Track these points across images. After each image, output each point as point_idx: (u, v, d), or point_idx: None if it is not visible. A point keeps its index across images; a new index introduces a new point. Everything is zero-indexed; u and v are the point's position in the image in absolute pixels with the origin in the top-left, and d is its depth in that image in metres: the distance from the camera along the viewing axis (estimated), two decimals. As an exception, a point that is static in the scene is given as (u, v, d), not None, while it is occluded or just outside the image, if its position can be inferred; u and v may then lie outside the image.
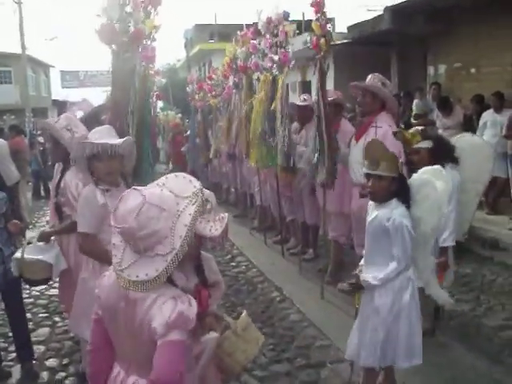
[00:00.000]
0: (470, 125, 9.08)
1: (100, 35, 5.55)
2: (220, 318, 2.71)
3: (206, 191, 2.48)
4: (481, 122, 8.69)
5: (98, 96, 13.30)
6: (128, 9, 5.61)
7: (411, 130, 4.51)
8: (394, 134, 4.68)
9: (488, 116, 8.60)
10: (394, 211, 3.39)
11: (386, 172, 3.41)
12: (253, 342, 2.81)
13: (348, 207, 5.97)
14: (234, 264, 7.57)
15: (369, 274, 3.47)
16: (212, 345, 2.68)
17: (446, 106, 9.39)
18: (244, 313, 2.88)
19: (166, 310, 2.08)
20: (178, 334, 2.10)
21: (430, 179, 3.61)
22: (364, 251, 3.68)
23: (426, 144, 4.32)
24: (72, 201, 4.39)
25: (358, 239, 5.86)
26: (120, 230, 2.08)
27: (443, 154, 4.34)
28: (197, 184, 2.23)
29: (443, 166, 4.03)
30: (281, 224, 8.01)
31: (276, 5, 6.49)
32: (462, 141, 4.72)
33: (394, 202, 3.43)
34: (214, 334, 2.67)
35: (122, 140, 3.80)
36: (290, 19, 6.53)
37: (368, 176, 3.49)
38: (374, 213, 3.51)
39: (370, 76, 5.54)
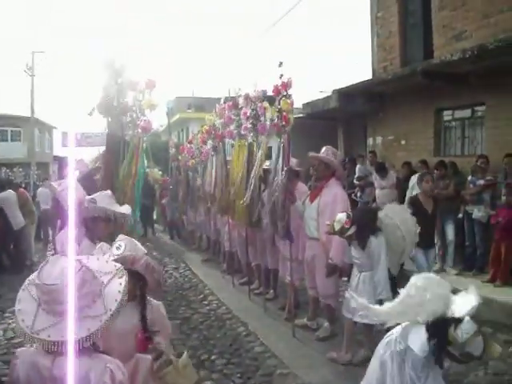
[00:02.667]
0: (401, 186, 9.37)
1: (99, 108, 5.66)
2: (162, 354, 2.71)
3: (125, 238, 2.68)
4: (410, 184, 8.93)
5: (91, 154, 13.33)
6: (121, 87, 5.76)
7: (338, 223, 4.48)
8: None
9: (416, 179, 8.88)
10: None
11: None
12: (189, 378, 2.80)
13: (301, 255, 6.03)
14: (205, 302, 7.45)
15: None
16: (146, 365, 2.62)
17: (382, 170, 9.70)
18: (185, 353, 2.88)
19: None
20: None
21: None
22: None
23: (353, 229, 4.38)
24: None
25: (309, 282, 5.93)
26: (55, 286, 1.85)
27: (366, 230, 4.44)
28: (117, 264, 2.19)
29: (369, 237, 4.34)
30: (246, 268, 8.01)
31: (254, 83, 6.65)
32: (388, 208, 4.90)
33: None
34: (147, 356, 2.63)
35: (128, 209, 3.88)
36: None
37: None
38: None
39: (324, 148, 5.69)
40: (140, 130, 5.89)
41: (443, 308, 2.54)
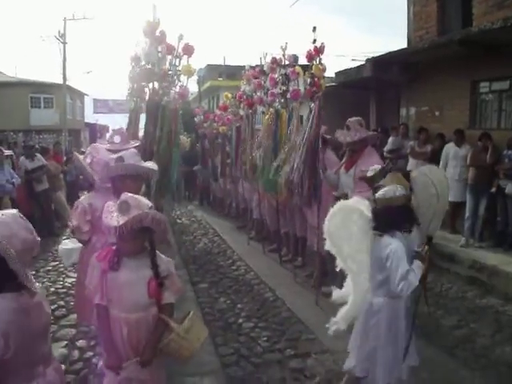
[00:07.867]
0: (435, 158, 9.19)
1: (140, 76, 5.68)
2: (167, 323, 2.77)
3: (128, 195, 2.79)
4: (443, 154, 8.77)
5: (122, 121, 13.41)
6: (160, 54, 5.76)
7: (372, 170, 4.42)
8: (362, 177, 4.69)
9: (450, 149, 8.69)
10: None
11: None
12: (194, 340, 2.83)
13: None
14: (234, 268, 7.55)
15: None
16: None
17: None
18: (190, 313, 2.91)
19: None
20: None
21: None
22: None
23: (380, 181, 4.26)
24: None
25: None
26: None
27: None
28: None
29: None
30: (275, 235, 8.05)
31: (283, 47, 6.57)
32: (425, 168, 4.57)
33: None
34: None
35: (155, 166, 3.90)
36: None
37: None
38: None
39: (351, 126, 5.55)
40: (177, 97, 5.90)
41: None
